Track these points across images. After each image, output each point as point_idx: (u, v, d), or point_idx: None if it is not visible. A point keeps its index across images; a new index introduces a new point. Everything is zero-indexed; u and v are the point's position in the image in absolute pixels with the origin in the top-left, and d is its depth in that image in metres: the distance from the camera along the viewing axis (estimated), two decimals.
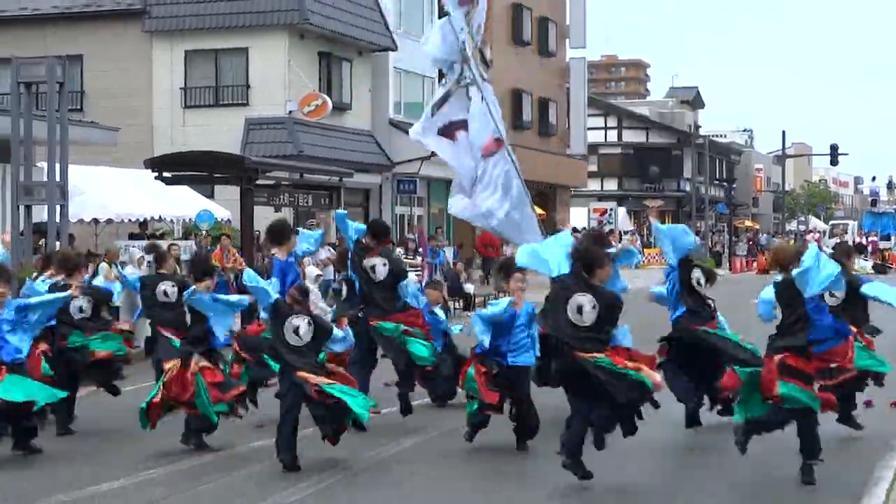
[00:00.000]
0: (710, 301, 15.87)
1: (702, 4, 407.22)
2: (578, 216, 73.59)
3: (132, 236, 33.76)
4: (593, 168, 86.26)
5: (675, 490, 13.21)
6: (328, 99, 45.21)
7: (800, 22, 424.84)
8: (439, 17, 55.63)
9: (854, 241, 78.98)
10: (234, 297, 16.80)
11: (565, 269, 13.09)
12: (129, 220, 34.55)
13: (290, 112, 44.43)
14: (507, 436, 15.09)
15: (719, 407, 15.69)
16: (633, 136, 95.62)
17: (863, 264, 66.78)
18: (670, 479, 13.75)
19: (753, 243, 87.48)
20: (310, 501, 12.62)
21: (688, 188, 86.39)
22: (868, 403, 16.49)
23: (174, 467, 14.18)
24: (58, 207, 22.44)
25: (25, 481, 13.52)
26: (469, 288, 40.00)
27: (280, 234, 17.71)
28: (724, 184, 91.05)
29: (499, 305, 14.58)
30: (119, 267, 26.84)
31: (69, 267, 17.03)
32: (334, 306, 19.87)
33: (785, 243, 17.21)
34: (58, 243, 22.47)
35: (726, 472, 13.91)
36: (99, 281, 19.49)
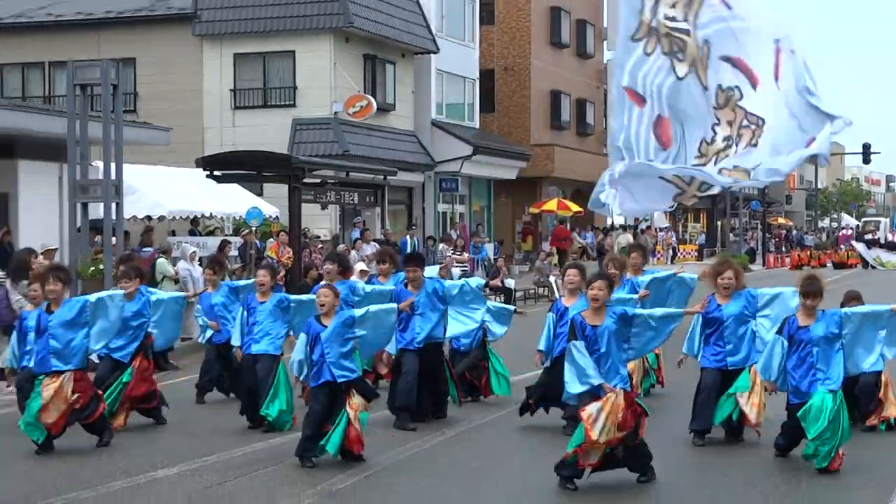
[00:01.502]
0: None
1: None
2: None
3: (173, 234, 33.83)
4: None
5: (699, 486, 13.16)
6: (373, 100, 45.29)
7: (831, 23, 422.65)
8: (481, 24, 56.02)
9: (885, 239, 78.76)
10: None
11: None
12: (182, 217, 34.70)
13: (336, 113, 44.54)
14: (531, 430, 15.07)
15: None
16: None
17: (893, 260, 66.51)
18: (693, 476, 13.57)
19: (780, 240, 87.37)
20: (361, 488, 12.66)
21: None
22: None
23: (227, 455, 14.24)
24: (113, 205, 22.58)
25: (87, 469, 13.60)
26: (510, 283, 39.98)
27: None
28: None
29: None
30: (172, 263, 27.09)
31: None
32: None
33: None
34: (113, 239, 22.63)
35: (754, 465, 13.88)
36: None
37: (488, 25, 58.07)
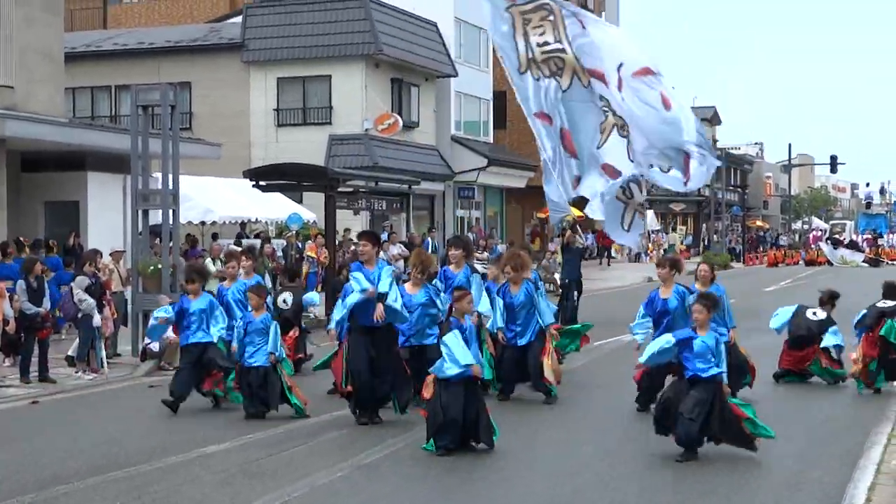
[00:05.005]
0: None
1: (720, 35, 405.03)
2: None
3: (214, 237, 33.71)
4: None
5: (666, 470, 12.97)
6: (399, 118, 45.33)
7: (802, 49, 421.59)
8: (494, 51, 55.91)
9: (849, 240, 78.46)
10: None
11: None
12: (231, 222, 34.70)
13: (367, 129, 44.54)
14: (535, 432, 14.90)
15: None
16: None
17: (856, 259, 66.13)
18: (660, 456, 12.51)
19: (754, 241, 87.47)
20: (387, 461, 12.55)
21: (707, 193, 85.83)
22: None
23: (270, 433, 14.16)
24: (170, 212, 22.55)
25: (144, 444, 13.54)
26: None
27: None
28: (739, 189, 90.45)
29: None
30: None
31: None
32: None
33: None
34: (171, 244, 22.64)
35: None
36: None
37: None
